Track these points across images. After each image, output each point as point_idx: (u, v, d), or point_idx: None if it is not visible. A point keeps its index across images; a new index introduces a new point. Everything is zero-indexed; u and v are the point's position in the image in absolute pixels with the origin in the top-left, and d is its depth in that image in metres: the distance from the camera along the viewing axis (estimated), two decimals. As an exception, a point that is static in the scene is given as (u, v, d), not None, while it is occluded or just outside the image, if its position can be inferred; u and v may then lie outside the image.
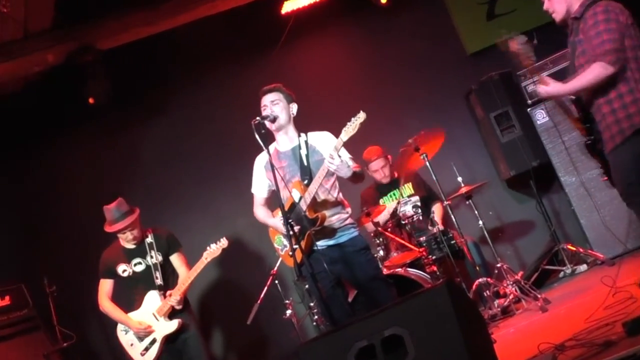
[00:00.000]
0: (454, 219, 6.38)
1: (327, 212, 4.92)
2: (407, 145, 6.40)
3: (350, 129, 4.63)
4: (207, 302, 7.53)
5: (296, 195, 4.90)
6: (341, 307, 4.86)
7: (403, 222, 6.44)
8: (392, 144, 6.97)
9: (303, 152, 4.97)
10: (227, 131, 7.55)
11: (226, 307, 7.45)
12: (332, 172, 4.80)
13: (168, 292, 5.91)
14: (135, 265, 5.99)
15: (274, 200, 5.07)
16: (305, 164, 4.95)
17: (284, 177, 4.90)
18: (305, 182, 4.93)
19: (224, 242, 5.89)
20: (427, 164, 6.34)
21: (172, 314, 5.93)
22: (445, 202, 6.41)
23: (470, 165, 7.61)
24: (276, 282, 6.62)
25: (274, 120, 4.95)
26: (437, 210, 6.92)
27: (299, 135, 5.08)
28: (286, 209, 4.82)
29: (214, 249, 5.89)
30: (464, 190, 6.53)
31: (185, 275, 5.97)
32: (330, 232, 4.96)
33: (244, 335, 7.27)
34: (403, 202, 6.64)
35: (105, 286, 6.04)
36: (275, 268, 6.44)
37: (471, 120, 7.71)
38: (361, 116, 4.61)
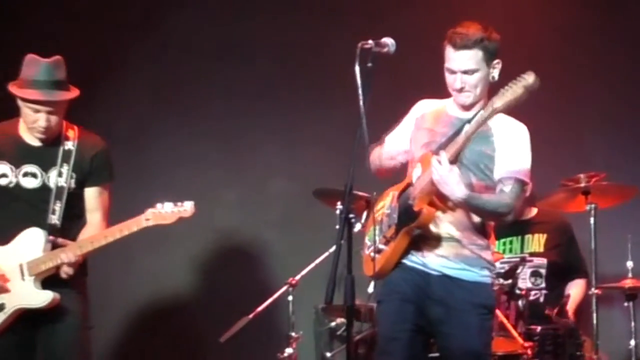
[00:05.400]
0: (594, 319, 6.08)
1: (453, 222, 4.76)
2: (573, 180, 6.15)
3: (508, 95, 4.48)
4: (166, 299, 7.43)
5: (417, 173, 4.83)
6: None
7: (518, 292, 6.01)
8: (561, 167, 6.76)
9: (470, 128, 4.77)
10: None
11: (196, 311, 7.39)
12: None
13: (61, 240, 5.32)
14: (25, 175, 5.38)
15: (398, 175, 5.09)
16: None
17: (424, 145, 4.87)
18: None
19: (186, 207, 5.35)
20: (592, 220, 6.04)
21: (49, 282, 5.30)
22: (593, 289, 6.05)
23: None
24: (290, 298, 6.33)
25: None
26: (575, 292, 6.59)
27: (483, 107, 4.82)
28: (398, 191, 4.87)
29: (166, 212, 5.32)
30: (628, 283, 6.14)
31: (101, 229, 5.43)
32: (440, 246, 4.79)
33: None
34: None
35: None
36: (298, 276, 6.29)
37: None
38: (529, 78, 4.45)
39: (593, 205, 5.99)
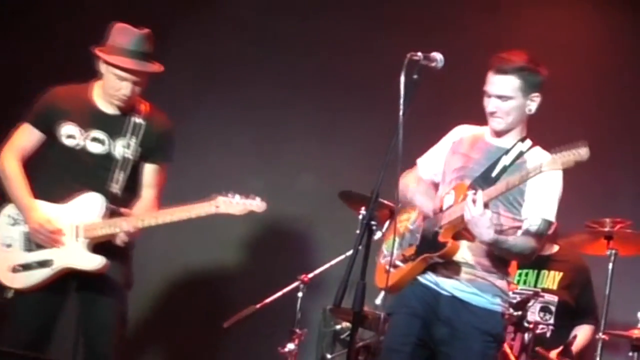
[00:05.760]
0: (597, 364, 6.08)
1: (470, 247, 4.76)
2: (598, 223, 6.08)
3: (558, 164, 4.49)
4: (177, 281, 7.38)
5: (448, 201, 4.82)
6: None
7: (526, 325, 5.94)
8: (589, 209, 6.64)
9: (505, 161, 4.81)
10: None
11: (206, 295, 7.36)
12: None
13: (123, 210, 5.34)
14: (93, 140, 5.36)
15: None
16: (494, 175, 4.79)
17: (456, 170, 4.90)
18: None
19: (258, 202, 5.34)
20: (610, 266, 5.97)
21: (101, 247, 5.29)
22: (600, 334, 5.96)
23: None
24: (300, 294, 6.28)
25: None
26: (581, 336, 6.44)
27: (522, 140, 4.89)
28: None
29: (237, 203, 5.31)
30: (636, 333, 5.98)
31: (154, 206, 5.45)
32: (454, 269, 4.81)
33: (202, 343, 7.18)
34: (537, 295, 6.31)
35: (28, 139, 5.40)
36: (312, 274, 6.28)
37: None
38: (584, 155, 4.44)
39: (614, 251, 5.93)
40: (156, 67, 5.37)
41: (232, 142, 7.37)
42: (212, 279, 7.37)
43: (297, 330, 6.24)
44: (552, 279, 6.55)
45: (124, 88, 5.26)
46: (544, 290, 6.42)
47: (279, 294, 6.19)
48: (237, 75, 7.41)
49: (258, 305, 6.10)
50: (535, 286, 6.47)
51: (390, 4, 7.49)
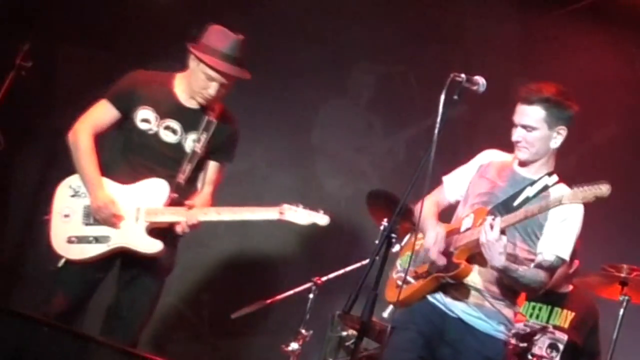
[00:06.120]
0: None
1: (480, 272, 4.76)
2: (615, 267, 6.01)
3: (578, 197, 4.46)
4: (189, 271, 7.28)
5: (467, 224, 4.83)
6: None
7: (530, 358, 5.94)
8: (607, 252, 6.59)
9: (529, 192, 4.78)
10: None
11: (217, 286, 7.36)
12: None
13: (188, 202, 5.40)
14: (166, 128, 5.41)
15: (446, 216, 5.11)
16: (515, 204, 4.76)
17: (480, 195, 4.90)
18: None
19: (321, 216, 5.39)
20: (621, 312, 5.90)
21: (155, 232, 5.33)
22: (601, 380, 5.92)
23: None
24: (310, 295, 6.27)
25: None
26: None
27: (549, 174, 4.85)
28: (444, 231, 4.85)
29: (302, 213, 5.36)
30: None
31: (209, 202, 5.51)
32: (464, 293, 4.80)
33: (210, 334, 7.18)
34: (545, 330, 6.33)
35: (104, 115, 5.44)
36: (325, 278, 6.26)
37: None
38: (604, 190, 4.40)
39: (627, 298, 5.88)
40: (246, 74, 5.40)
41: (264, 139, 7.31)
42: (230, 271, 7.36)
43: (303, 331, 6.23)
44: (564, 317, 6.50)
45: (211, 88, 5.30)
46: (555, 327, 6.40)
47: (290, 292, 6.19)
48: (274, 71, 7.35)
49: (268, 301, 6.09)
50: (547, 322, 6.45)
51: (435, 23, 7.49)
